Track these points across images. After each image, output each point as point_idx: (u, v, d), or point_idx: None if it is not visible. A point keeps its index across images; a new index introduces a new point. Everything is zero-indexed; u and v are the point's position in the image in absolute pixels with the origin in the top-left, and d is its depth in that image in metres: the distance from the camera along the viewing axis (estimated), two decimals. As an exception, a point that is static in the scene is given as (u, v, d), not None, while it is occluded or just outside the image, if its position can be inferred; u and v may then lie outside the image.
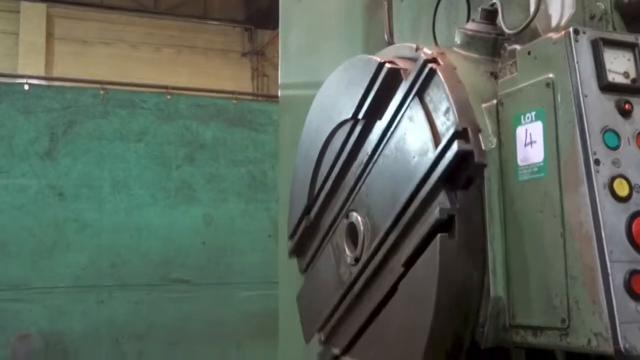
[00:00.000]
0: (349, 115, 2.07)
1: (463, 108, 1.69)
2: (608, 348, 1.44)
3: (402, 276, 1.78)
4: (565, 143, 1.55)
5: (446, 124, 1.69)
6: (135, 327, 5.62)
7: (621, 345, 1.42)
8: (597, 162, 1.51)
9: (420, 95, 1.78)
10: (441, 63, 1.77)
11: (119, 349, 5.56)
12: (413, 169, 1.77)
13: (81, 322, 5.49)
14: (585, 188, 1.50)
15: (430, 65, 1.75)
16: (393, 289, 1.83)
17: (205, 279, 5.86)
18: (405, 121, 1.83)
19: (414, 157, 1.78)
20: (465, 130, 1.65)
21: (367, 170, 1.98)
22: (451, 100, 1.69)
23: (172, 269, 5.80)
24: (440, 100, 1.72)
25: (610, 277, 1.45)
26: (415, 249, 1.73)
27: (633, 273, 1.47)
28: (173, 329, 5.70)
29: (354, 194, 2.06)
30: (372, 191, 1.97)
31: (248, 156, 6.11)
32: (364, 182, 2.01)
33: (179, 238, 5.85)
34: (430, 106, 1.75)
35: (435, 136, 1.71)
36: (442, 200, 1.67)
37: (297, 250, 2.40)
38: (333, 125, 2.18)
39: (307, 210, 2.32)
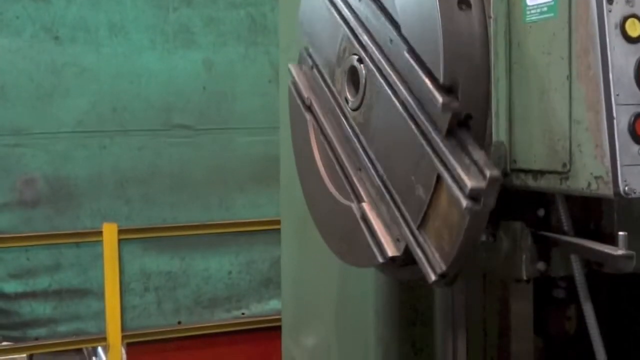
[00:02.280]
0: None
1: None
2: (607, 191, 1.45)
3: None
4: (577, -20, 1.48)
5: None
6: (138, 171, 5.69)
7: (621, 188, 1.43)
8: (609, 0, 1.45)
9: None
10: None
11: (124, 192, 5.67)
12: None
13: (85, 166, 5.55)
14: (595, 28, 1.45)
15: None
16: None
17: (207, 124, 5.86)
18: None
19: None
20: None
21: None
22: None
23: (174, 114, 5.78)
24: None
25: (614, 121, 1.44)
26: None
27: (638, 116, 1.46)
28: (176, 174, 5.77)
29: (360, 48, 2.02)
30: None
31: (247, -3, 5.92)
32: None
33: (179, 83, 5.78)
34: None
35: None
36: None
37: None
38: None
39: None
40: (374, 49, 1.89)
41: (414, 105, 1.74)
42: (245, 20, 5.94)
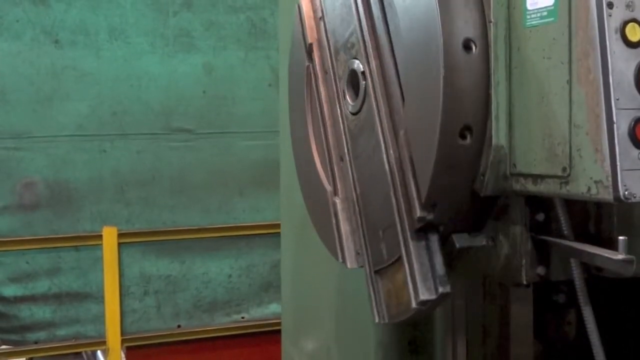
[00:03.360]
0: None
1: None
2: (607, 195, 1.45)
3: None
4: (577, -16, 1.48)
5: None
6: (139, 175, 5.69)
7: (621, 193, 1.43)
8: (610, 5, 1.46)
9: None
10: None
11: (123, 196, 5.67)
12: None
13: (85, 170, 5.55)
14: (595, 33, 1.45)
15: None
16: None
17: (206, 128, 5.87)
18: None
19: None
20: None
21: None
22: None
23: (174, 117, 5.79)
24: None
25: (615, 125, 1.44)
26: None
27: (638, 121, 1.46)
28: (176, 178, 5.77)
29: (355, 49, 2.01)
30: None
31: (247, 2, 5.92)
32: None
33: (180, 87, 5.78)
34: None
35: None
36: None
37: None
38: None
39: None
40: (376, 73, 1.89)
41: (396, 177, 1.83)
42: (245, 24, 5.94)
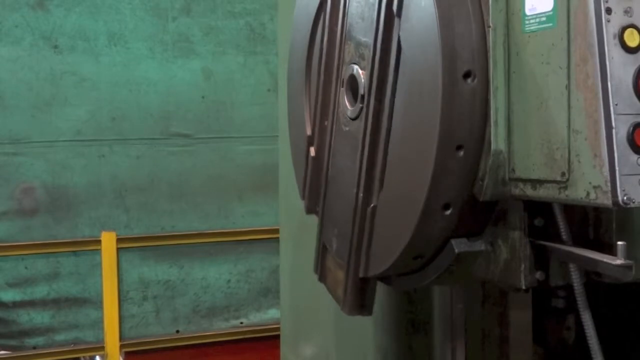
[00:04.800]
0: None
1: None
2: (606, 200, 1.45)
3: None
4: (576, -10, 1.49)
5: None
6: (137, 180, 5.69)
7: (619, 198, 1.43)
8: (608, 10, 1.46)
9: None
10: None
11: (122, 201, 5.67)
12: None
13: (84, 175, 5.55)
14: (594, 38, 1.46)
15: None
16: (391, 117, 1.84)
17: (205, 133, 5.87)
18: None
19: None
20: None
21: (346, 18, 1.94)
22: None
23: (173, 122, 5.79)
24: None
25: (613, 130, 1.44)
26: None
27: (637, 126, 1.46)
28: (175, 183, 5.77)
29: (342, 46, 2.02)
30: (355, 30, 1.95)
31: (246, 7, 5.93)
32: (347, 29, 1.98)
33: (179, 92, 5.79)
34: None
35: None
36: None
37: (312, 207, 2.37)
38: None
39: (311, 140, 2.30)
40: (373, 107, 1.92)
41: (361, 189, 1.94)
42: (244, 29, 5.95)
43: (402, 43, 1.76)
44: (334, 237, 2.17)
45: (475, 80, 1.64)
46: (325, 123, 2.19)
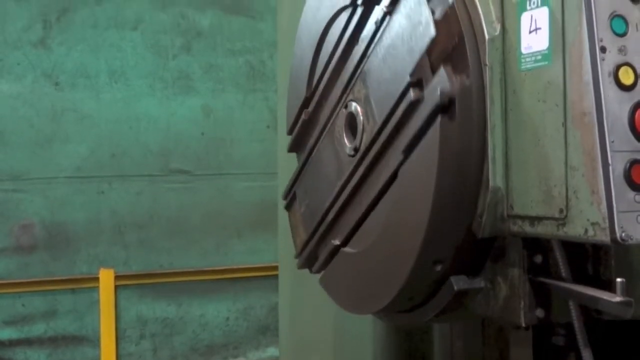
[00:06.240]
0: (348, 1, 2.00)
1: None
2: (604, 237, 1.44)
3: (401, 163, 1.78)
4: (571, 30, 1.51)
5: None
6: (136, 216, 5.69)
7: (617, 235, 1.43)
8: (603, 49, 1.47)
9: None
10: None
11: (121, 238, 5.66)
12: (410, 51, 1.73)
13: (83, 212, 5.55)
14: (589, 76, 1.47)
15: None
16: (392, 177, 1.83)
17: (205, 170, 5.89)
18: (402, 6, 1.77)
19: (411, 40, 1.73)
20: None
21: (366, 58, 1.93)
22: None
23: (172, 159, 5.81)
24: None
25: (610, 167, 1.44)
26: (415, 135, 1.72)
27: (634, 163, 1.47)
28: (174, 219, 5.77)
29: (352, 83, 2.02)
30: (371, 79, 1.93)
31: (246, 45, 5.99)
32: (362, 70, 1.96)
33: (178, 128, 5.82)
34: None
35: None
36: (443, 82, 1.64)
37: (296, 147, 2.39)
38: (333, 11, 2.11)
39: (306, 103, 2.29)
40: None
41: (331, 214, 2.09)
42: (244, 67, 6.01)
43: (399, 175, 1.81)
44: (304, 204, 2.32)
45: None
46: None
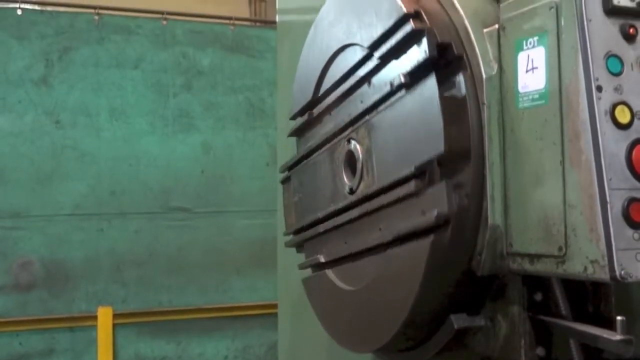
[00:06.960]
0: (363, 43, 1.98)
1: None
2: (604, 275, 1.44)
3: (391, 243, 1.81)
4: (567, 69, 1.52)
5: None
6: (135, 254, 5.68)
7: (617, 272, 1.43)
8: (599, 88, 1.49)
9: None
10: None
11: (120, 275, 5.63)
12: (418, 146, 1.73)
13: (81, 249, 5.54)
14: (586, 115, 1.48)
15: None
16: (385, 246, 1.85)
17: (204, 207, 5.89)
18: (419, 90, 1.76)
19: (420, 139, 1.73)
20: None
21: (375, 112, 1.93)
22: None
23: (172, 197, 5.82)
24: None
25: (608, 205, 1.45)
26: (407, 233, 1.74)
27: (632, 201, 1.47)
28: (173, 257, 5.76)
29: (356, 125, 2.03)
30: (376, 136, 1.94)
31: (246, 83, 6.05)
32: (369, 120, 1.97)
33: (178, 166, 5.85)
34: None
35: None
36: (442, 205, 1.65)
37: (298, 132, 2.42)
38: (340, 43, 2.09)
39: (312, 104, 2.29)
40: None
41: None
42: (243, 104, 6.05)
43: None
44: (298, 195, 2.37)
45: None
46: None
